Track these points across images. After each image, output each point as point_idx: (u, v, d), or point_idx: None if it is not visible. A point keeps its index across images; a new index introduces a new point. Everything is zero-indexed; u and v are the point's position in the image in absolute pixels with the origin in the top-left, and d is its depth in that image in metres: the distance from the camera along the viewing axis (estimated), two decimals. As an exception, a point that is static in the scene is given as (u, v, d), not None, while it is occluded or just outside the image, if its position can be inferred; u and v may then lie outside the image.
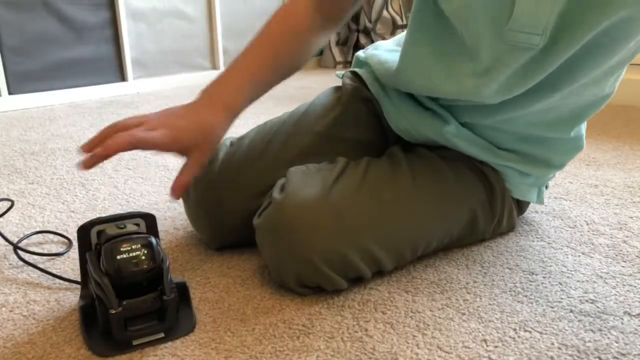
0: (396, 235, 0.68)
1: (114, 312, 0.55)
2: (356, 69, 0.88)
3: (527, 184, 0.82)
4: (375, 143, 0.82)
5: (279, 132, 0.80)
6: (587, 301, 0.66)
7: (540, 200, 0.85)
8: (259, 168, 0.76)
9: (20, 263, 0.77)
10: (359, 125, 0.81)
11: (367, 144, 0.81)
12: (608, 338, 0.59)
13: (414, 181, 0.71)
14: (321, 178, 0.69)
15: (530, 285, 0.69)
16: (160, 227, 0.89)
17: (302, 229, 0.63)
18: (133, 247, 0.57)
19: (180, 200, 1.01)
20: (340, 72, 0.90)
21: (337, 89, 0.86)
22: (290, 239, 0.64)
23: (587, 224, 0.88)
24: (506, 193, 0.80)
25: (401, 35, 0.88)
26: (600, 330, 0.60)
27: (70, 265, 0.77)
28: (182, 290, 0.64)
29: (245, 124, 1.63)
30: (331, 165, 0.73)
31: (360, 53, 0.89)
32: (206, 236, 0.79)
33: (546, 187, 0.88)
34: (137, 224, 0.63)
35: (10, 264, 0.77)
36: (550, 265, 0.74)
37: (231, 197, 0.75)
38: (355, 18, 3.01)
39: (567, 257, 0.77)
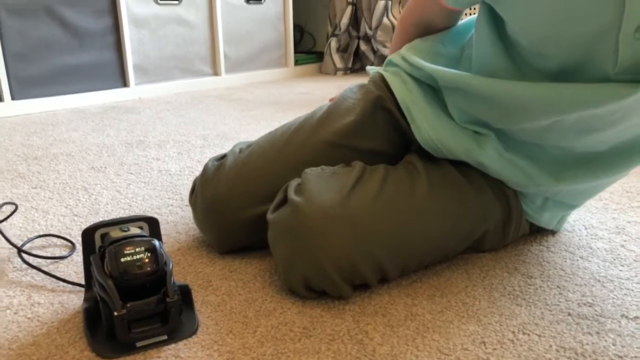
0: (406, 249, 0.68)
1: (117, 314, 0.55)
2: (388, 69, 0.83)
3: (555, 213, 0.79)
4: (389, 154, 0.80)
5: (290, 140, 0.79)
6: (585, 304, 0.66)
7: (558, 227, 0.83)
8: (269, 175, 0.76)
9: (25, 266, 0.78)
10: (375, 137, 0.79)
11: (381, 155, 0.80)
12: (605, 341, 0.59)
13: (431, 197, 0.70)
14: (338, 183, 0.69)
15: (528, 288, 0.70)
16: (162, 231, 0.90)
17: (317, 234, 0.63)
18: (137, 249, 0.57)
19: (181, 205, 1.01)
20: (371, 67, 0.88)
21: (360, 91, 0.83)
22: (304, 242, 0.64)
23: (586, 229, 0.89)
24: (522, 217, 0.79)
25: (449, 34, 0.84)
26: (597, 333, 0.61)
27: (73, 268, 0.77)
28: (185, 293, 0.65)
29: (246, 130, 1.64)
30: (347, 168, 0.73)
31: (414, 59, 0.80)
32: (214, 241, 0.79)
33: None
34: (141, 227, 0.64)
35: (14, 267, 0.78)
36: (549, 269, 0.75)
37: (239, 203, 0.76)
38: (356, 25, 3.03)
39: (566, 261, 0.77)
